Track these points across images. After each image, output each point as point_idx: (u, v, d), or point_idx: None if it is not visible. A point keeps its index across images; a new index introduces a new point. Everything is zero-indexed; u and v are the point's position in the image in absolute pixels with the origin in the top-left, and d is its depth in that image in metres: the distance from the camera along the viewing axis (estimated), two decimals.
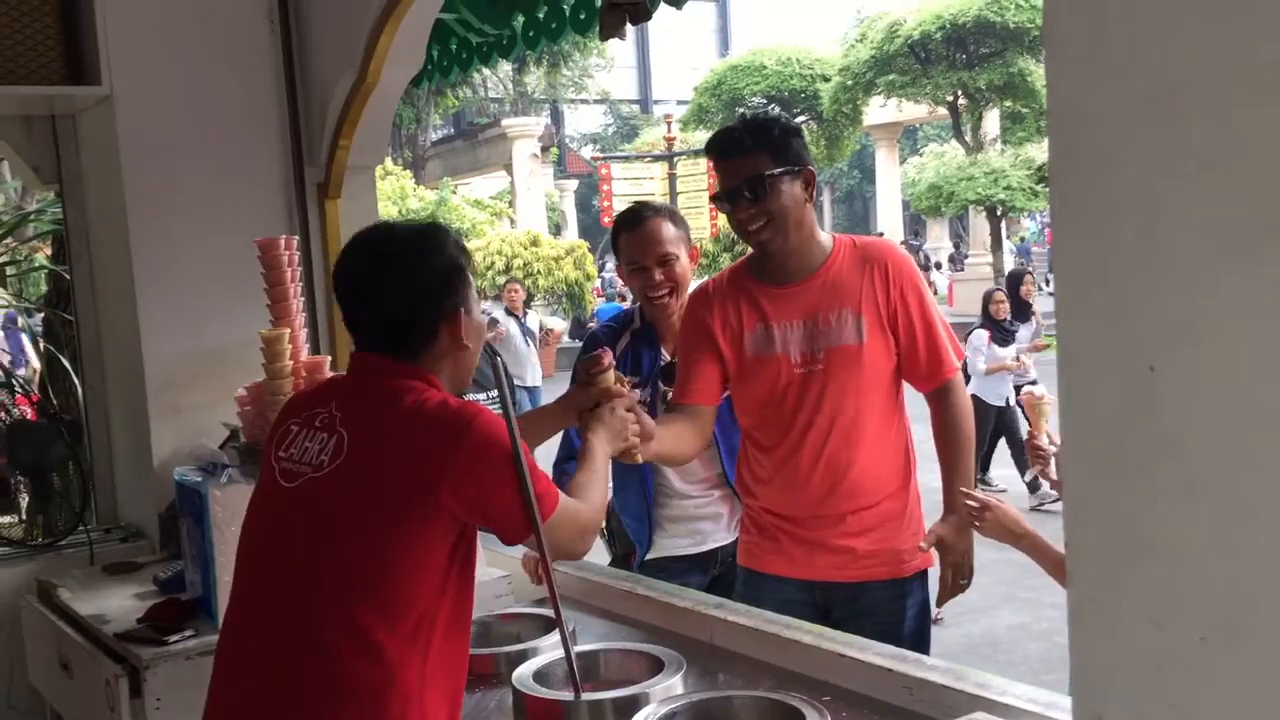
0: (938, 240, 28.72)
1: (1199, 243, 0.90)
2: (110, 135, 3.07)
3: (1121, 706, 0.98)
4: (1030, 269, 11.67)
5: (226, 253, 3.05)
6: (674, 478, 2.97)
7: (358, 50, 2.99)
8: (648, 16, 2.66)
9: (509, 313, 10.95)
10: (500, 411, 1.77)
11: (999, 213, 19.28)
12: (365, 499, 1.69)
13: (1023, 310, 8.98)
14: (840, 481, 2.50)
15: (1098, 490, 0.99)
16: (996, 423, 8.29)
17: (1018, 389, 7.82)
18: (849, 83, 20.61)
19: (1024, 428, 6.87)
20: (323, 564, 1.69)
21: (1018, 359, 8.30)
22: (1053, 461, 2.42)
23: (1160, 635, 0.94)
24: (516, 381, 9.65)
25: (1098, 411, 0.98)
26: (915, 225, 33.48)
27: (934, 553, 2.54)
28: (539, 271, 17.86)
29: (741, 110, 21.74)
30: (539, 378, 10.98)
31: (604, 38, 2.69)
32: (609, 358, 2.17)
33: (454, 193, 21.53)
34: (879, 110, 22.73)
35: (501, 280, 17.10)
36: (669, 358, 2.92)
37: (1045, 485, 7.69)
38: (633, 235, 2.92)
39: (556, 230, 25.23)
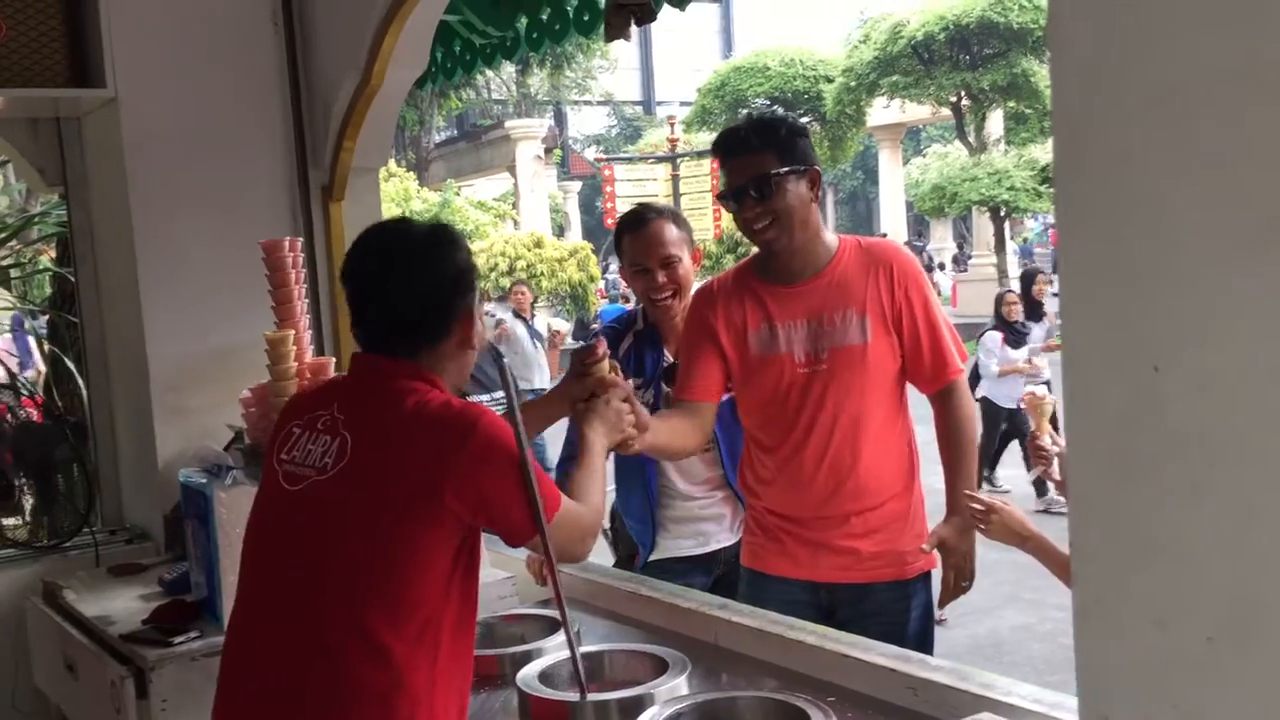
0: (941, 241, 28.70)
1: (1204, 243, 0.90)
2: (115, 137, 3.07)
3: (1127, 707, 0.98)
4: (1042, 268, 11.62)
5: (231, 254, 3.05)
6: (676, 479, 2.97)
7: (362, 52, 3.00)
8: (653, 17, 2.66)
9: (516, 315, 10.93)
10: (504, 413, 1.77)
11: (1003, 214, 19.25)
12: (369, 501, 1.68)
13: (1036, 310, 8.93)
14: (844, 482, 2.50)
15: (1102, 490, 0.99)
16: (1008, 425, 8.28)
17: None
18: (852, 84, 20.59)
19: None
20: (328, 567, 1.69)
21: (1030, 361, 8.26)
22: (1055, 461, 2.42)
23: (1166, 635, 0.94)
24: (524, 384, 9.62)
25: (1103, 411, 0.98)
26: (918, 226, 33.46)
27: (937, 554, 2.54)
28: (542, 273, 17.86)
29: (746, 110, 21.74)
30: (546, 380, 10.97)
31: (610, 39, 2.69)
32: (603, 347, 2.17)
33: (457, 194, 21.54)
34: (882, 111, 22.71)
35: (505, 282, 17.10)
36: (672, 359, 2.92)
37: (1052, 490, 7.68)
38: (635, 237, 2.92)
39: (560, 232, 25.23)
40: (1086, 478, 1.01)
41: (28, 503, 3.45)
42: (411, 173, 22.40)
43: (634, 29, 2.64)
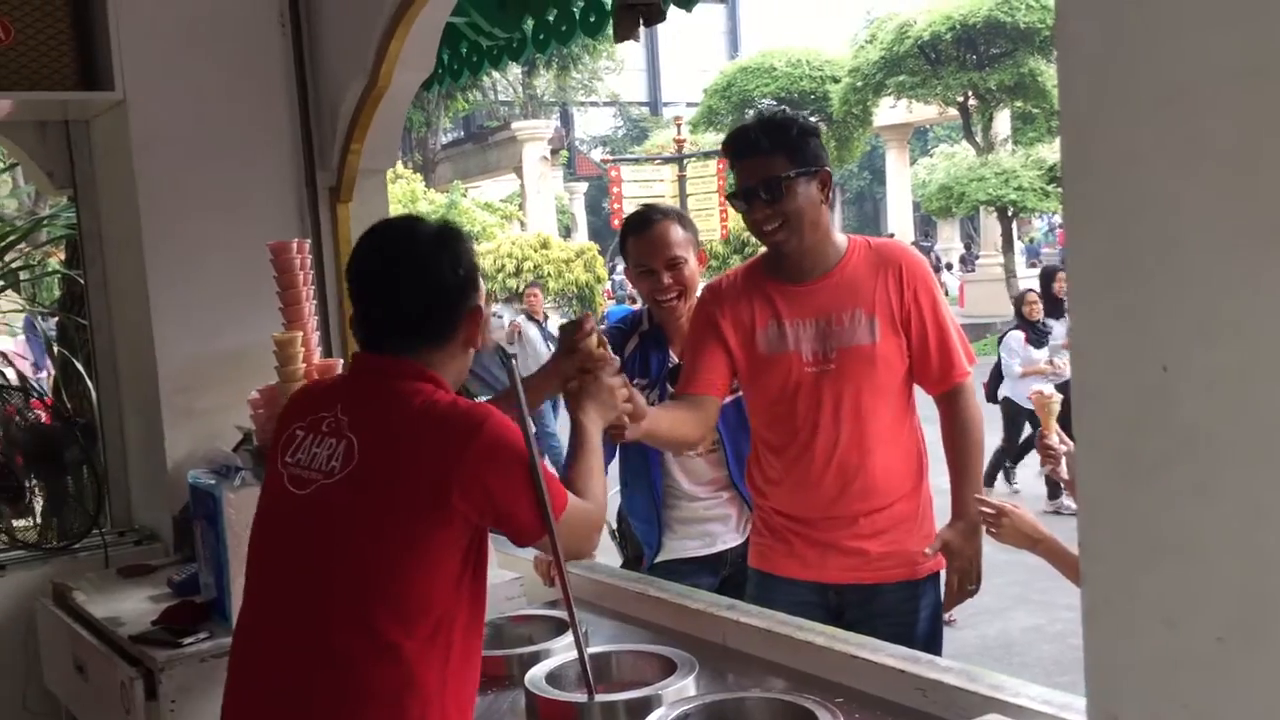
0: (948, 241, 28.64)
1: (1212, 242, 0.90)
2: (123, 140, 3.08)
3: (1136, 707, 0.98)
4: (1061, 265, 11.51)
5: (239, 256, 3.06)
6: (682, 479, 2.97)
7: (369, 54, 3.00)
8: (662, 17, 2.66)
9: (529, 317, 10.91)
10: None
11: (1010, 213, 19.22)
12: (378, 504, 1.68)
13: (1057, 307, 8.84)
14: (852, 482, 2.50)
15: (1111, 490, 0.99)
16: (1031, 425, 8.26)
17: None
18: (859, 84, 20.58)
19: None
20: (337, 570, 1.69)
21: (1051, 362, 8.23)
22: (1064, 460, 2.42)
23: (1175, 635, 0.94)
24: None
25: (1111, 411, 0.98)
26: (926, 226, 33.40)
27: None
28: (549, 274, 17.87)
29: (755, 110, 21.73)
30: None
31: (619, 39, 2.69)
32: (591, 323, 2.16)
33: (464, 196, 21.57)
34: (889, 111, 22.69)
35: (512, 283, 17.13)
36: (677, 360, 2.92)
37: (1064, 494, 7.66)
38: (641, 238, 2.92)
39: (566, 233, 25.24)
40: (1095, 477, 1.01)
41: (37, 504, 3.46)
42: (418, 174, 22.43)
43: (641, 29, 2.64)
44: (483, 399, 2.88)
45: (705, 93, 25.01)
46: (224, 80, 3.16)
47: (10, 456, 3.23)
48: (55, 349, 4.64)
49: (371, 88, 3.05)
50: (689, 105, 28.65)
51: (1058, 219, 27.09)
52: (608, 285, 21.13)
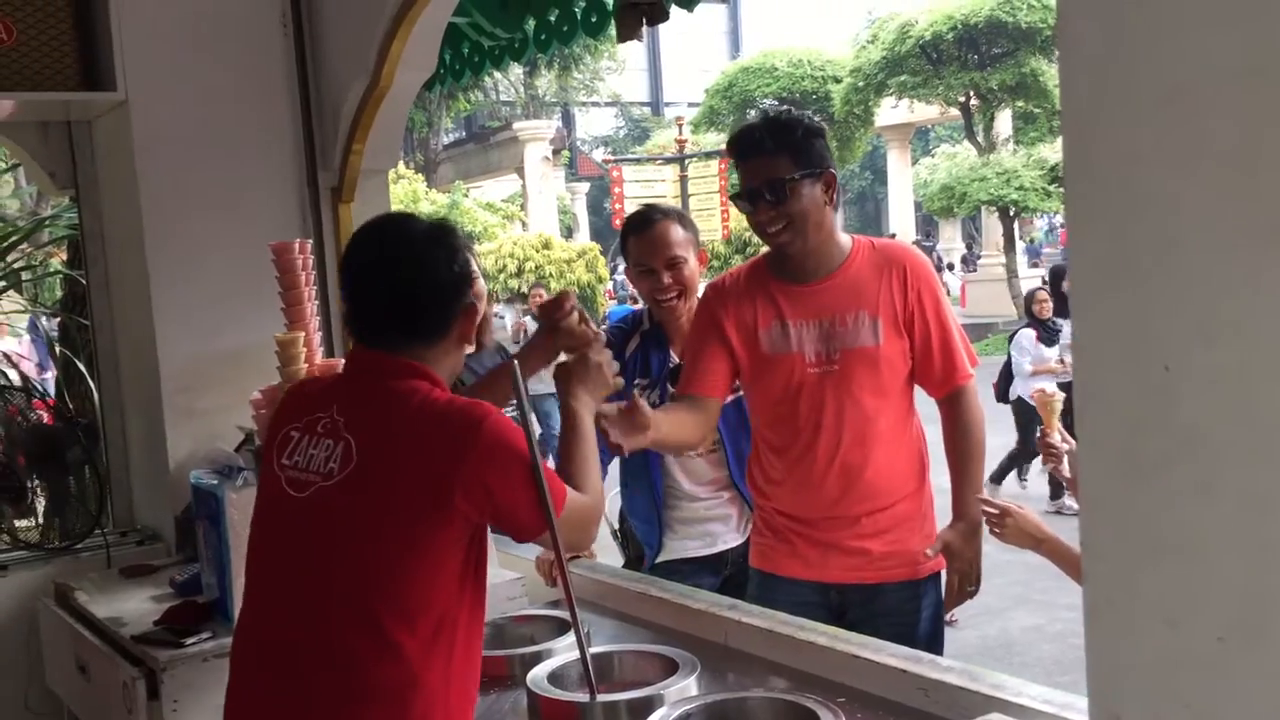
0: (950, 241, 28.63)
1: (1213, 242, 0.90)
2: (125, 140, 3.09)
3: (1138, 706, 0.98)
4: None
5: (241, 256, 3.06)
6: (682, 480, 2.97)
7: (370, 54, 3.00)
8: (665, 16, 2.66)
9: (535, 318, 10.90)
10: (509, 413, 1.77)
11: (1012, 213, 19.22)
12: (379, 506, 1.67)
13: (1067, 305, 8.81)
14: (855, 483, 2.50)
15: (1113, 489, 0.99)
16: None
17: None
18: (860, 84, 20.57)
19: None
20: (339, 571, 1.68)
21: (1062, 360, 8.23)
22: (1065, 459, 2.42)
23: (1176, 635, 0.94)
24: (543, 387, 9.61)
25: (1113, 410, 0.98)
26: (927, 226, 33.39)
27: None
28: (551, 274, 17.88)
29: (759, 109, 21.72)
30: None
31: (622, 39, 2.69)
32: (572, 300, 2.16)
33: (466, 196, 21.57)
34: (890, 111, 22.68)
35: (514, 283, 17.14)
36: (678, 360, 2.93)
37: (1066, 496, 7.66)
38: (641, 238, 2.92)
39: (568, 233, 25.25)
40: (1097, 476, 1.01)
41: (39, 505, 3.46)
42: (420, 174, 22.44)
43: (644, 29, 2.65)
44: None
45: (707, 93, 25.02)
46: (226, 80, 3.17)
47: (12, 457, 3.24)
48: (57, 349, 4.64)
49: (373, 88, 3.05)
50: (690, 105, 28.65)
51: (1059, 219, 27.09)
52: (609, 285, 21.14)
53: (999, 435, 6.82)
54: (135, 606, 2.73)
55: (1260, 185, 0.86)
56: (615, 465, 3.04)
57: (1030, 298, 8.69)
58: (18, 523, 3.47)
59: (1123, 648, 0.99)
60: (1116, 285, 0.97)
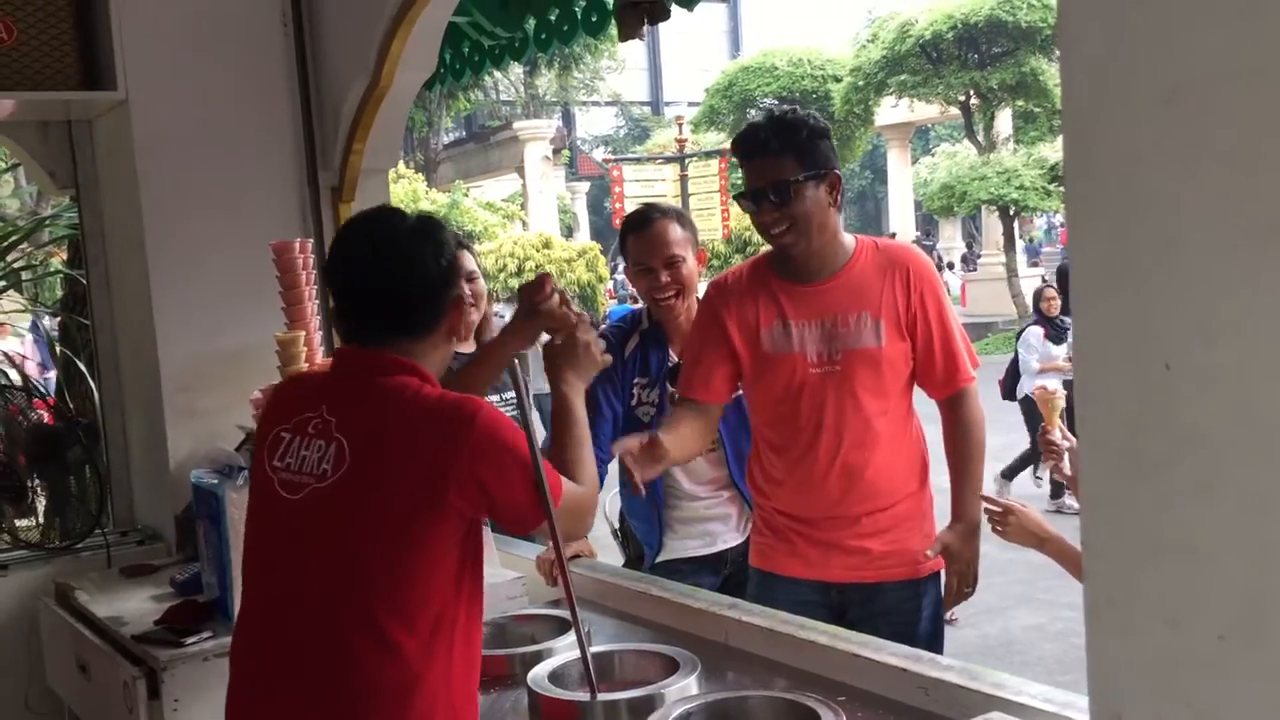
0: (950, 240, 28.62)
1: (1214, 241, 0.90)
2: (125, 140, 3.09)
3: (1138, 705, 0.98)
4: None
5: (241, 256, 3.06)
6: (682, 479, 2.97)
7: (371, 54, 3.00)
8: (666, 15, 2.66)
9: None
10: (511, 412, 1.76)
11: (1012, 213, 19.21)
12: (374, 506, 1.67)
13: None
14: (856, 483, 2.50)
15: (1114, 487, 0.99)
16: None
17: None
18: (860, 83, 20.56)
19: None
20: (337, 572, 1.68)
21: (1069, 358, 8.22)
22: (1066, 457, 2.42)
23: (1177, 634, 0.94)
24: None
25: (1114, 409, 0.98)
26: (927, 225, 33.38)
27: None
28: (551, 274, 17.88)
29: (763, 109, 21.73)
30: None
31: (623, 38, 2.69)
32: (551, 283, 2.16)
33: (466, 195, 21.56)
34: (891, 110, 22.66)
35: (514, 283, 17.11)
36: (677, 359, 2.93)
37: (1066, 495, 7.65)
38: (639, 237, 2.92)
39: (568, 232, 25.24)
40: (1098, 475, 1.01)
41: (40, 504, 3.46)
42: (420, 174, 22.43)
43: (645, 28, 2.65)
44: (488, 398, 2.89)
45: (707, 92, 25.01)
46: (226, 80, 3.17)
47: (13, 456, 3.24)
48: (57, 349, 4.64)
49: (373, 87, 3.05)
50: (690, 105, 28.65)
51: (1058, 218, 27.08)
52: (610, 285, 21.12)
53: (1000, 434, 6.82)
54: (136, 606, 2.73)
55: (1260, 185, 0.86)
56: (614, 465, 3.04)
57: (1038, 295, 8.67)
58: (18, 522, 3.48)
59: (1124, 647, 0.99)
60: (1117, 284, 0.97)
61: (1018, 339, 8.67)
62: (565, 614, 2.17)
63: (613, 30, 2.90)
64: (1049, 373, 8.00)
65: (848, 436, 2.49)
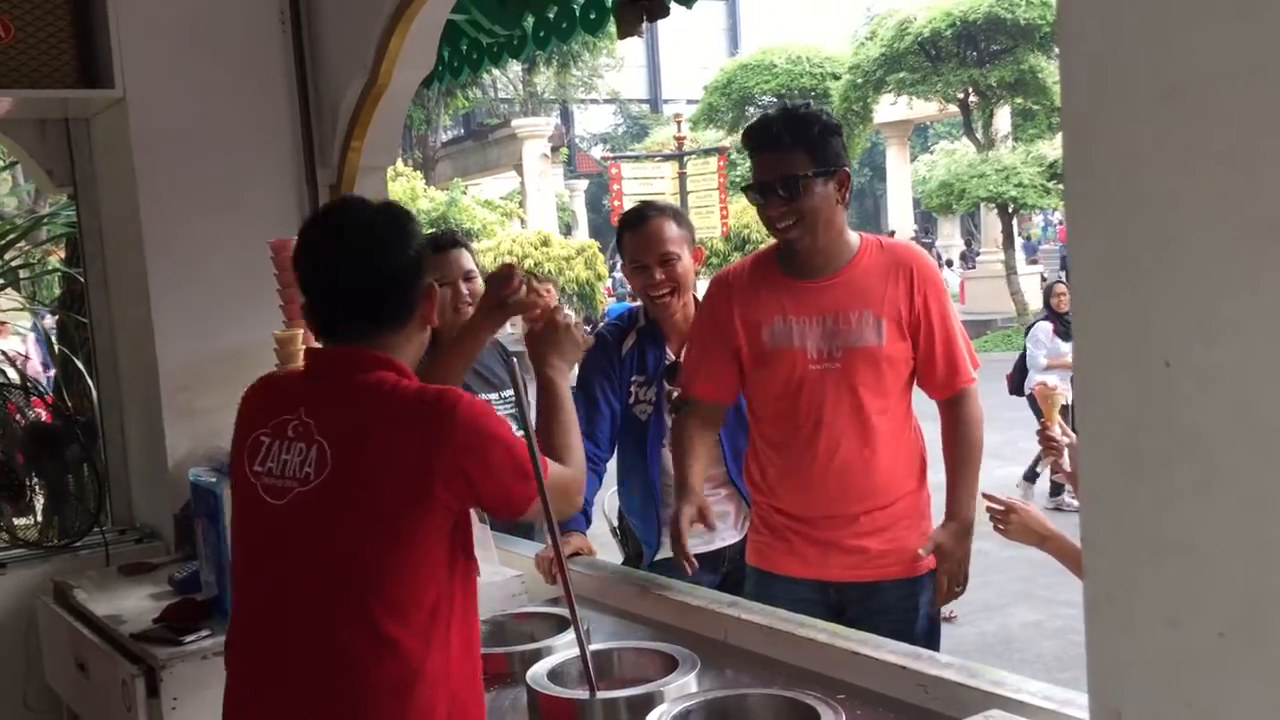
0: (949, 238, 28.62)
1: (1213, 239, 0.90)
2: (123, 138, 3.08)
3: (1138, 703, 0.98)
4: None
5: (240, 254, 3.06)
6: None
7: (369, 52, 3.00)
8: (665, 12, 2.66)
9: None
10: (508, 411, 1.76)
11: (1011, 210, 19.22)
12: (360, 506, 1.66)
13: None
14: (854, 481, 2.50)
15: (1113, 485, 0.99)
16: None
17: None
18: (859, 80, 20.56)
19: None
20: (329, 574, 1.67)
21: None
22: (1065, 453, 2.42)
23: (1177, 632, 0.94)
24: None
25: (1114, 407, 0.98)
26: (926, 223, 33.39)
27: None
28: (549, 272, 17.88)
29: (768, 103, 21.74)
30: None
31: (623, 35, 2.69)
32: (519, 274, 2.16)
33: (464, 193, 21.56)
34: (889, 108, 22.67)
35: None
36: (674, 357, 2.93)
37: (1066, 493, 7.65)
38: (635, 234, 2.92)
39: (567, 230, 25.25)
40: (1098, 473, 1.01)
41: (38, 503, 3.46)
42: (418, 172, 22.44)
43: (644, 25, 2.64)
44: (485, 398, 2.89)
45: (705, 90, 25.00)
46: (224, 78, 3.16)
47: (11, 455, 3.24)
48: (56, 347, 4.64)
49: (372, 85, 3.05)
50: (689, 102, 28.64)
51: (1057, 216, 27.10)
52: (608, 282, 21.12)
53: (1001, 431, 6.82)
54: (134, 604, 2.73)
55: (1259, 184, 0.86)
56: (613, 464, 3.04)
57: (1049, 290, 8.66)
58: (16, 521, 3.47)
59: (1123, 645, 0.99)
60: (1116, 282, 0.96)
61: (1027, 333, 8.65)
62: (564, 612, 2.17)
63: (611, 28, 2.90)
64: (1056, 369, 8.00)
65: (846, 434, 2.49)
